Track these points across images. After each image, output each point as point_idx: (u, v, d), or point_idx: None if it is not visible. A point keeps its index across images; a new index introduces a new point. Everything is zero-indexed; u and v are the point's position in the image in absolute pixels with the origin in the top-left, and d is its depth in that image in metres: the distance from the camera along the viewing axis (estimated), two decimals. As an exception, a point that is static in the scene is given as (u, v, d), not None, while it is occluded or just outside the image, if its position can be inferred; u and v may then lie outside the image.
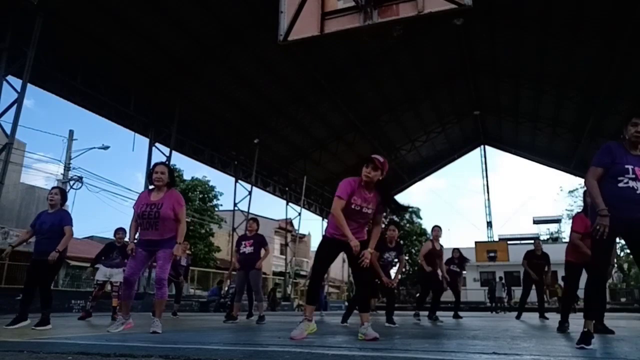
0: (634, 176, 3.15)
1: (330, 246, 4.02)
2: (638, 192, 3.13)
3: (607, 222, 3.08)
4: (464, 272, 9.56)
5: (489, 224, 31.11)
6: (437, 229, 8.17)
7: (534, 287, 9.01)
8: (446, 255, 8.89)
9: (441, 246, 8.12)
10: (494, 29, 16.22)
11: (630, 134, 3.27)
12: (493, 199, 59.20)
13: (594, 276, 3.37)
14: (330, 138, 21.23)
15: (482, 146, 28.97)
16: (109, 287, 8.05)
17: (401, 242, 6.99)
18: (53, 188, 5.47)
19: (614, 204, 3.13)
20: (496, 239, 31.11)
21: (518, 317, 9.35)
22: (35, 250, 5.17)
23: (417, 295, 8.17)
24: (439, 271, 8.09)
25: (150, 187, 4.74)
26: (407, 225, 38.08)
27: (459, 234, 72.48)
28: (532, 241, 10.37)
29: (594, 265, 3.34)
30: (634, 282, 30.80)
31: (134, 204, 4.65)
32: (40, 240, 5.13)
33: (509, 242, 29.29)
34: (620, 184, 3.15)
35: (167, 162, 4.88)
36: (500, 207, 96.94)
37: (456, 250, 9.77)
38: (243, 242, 7.18)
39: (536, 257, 8.78)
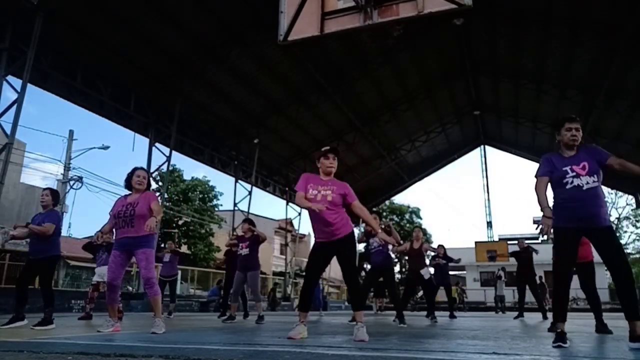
0: (574, 174, 3.40)
1: (320, 251, 4.05)
2: (584, 187, 3.36)
3: (550, 222, 3.38)
4: (453, 262, 9.93)
5: (489, 224, 31.15)
6: (417, 230, 8.79)
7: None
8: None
9: (421, 245, 8.32)
10: (494, 29, 16.21)
11: (567, 138, 3.53)
12: (493, 199, 59.20)
13: (556, 277, 3.47)
14: (330, 138, 21.21)
15: (482, 146, 28.96)
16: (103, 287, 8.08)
17: (389, 228, 7.14)
18: (44, 189, 5.56)
19: (567, 205, 3.41)
20: (496, 239, 31.12)
21: (517, 317, 9.37)
22: (30, 250, 5.31)
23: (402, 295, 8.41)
24: (423, 271, 8.19)
25: (127, 193, 4.78)
26: (407, 225, 38.15)
27: (459, 234, 72.51)
28: (531, 241, 10.63)
29: (558, 267, 3.44)
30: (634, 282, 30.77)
31: (111, 210, 4.65)
32: (32, 240, 5.23)
33: (509, 242, 29.29)
34: (567, 186, 3.41)
35: (146, 168, 4.91)
36: (500, 207, 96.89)
37: (440, 246, 10.20)
38: (240, 244, 7.34)
39: (521, 253, 9.31)
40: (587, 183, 3.35)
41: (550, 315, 9.13)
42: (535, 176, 3.59)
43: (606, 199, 3.45)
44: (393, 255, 8.29)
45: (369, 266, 7.46)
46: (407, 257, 8.48)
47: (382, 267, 6.75)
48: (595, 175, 3.36)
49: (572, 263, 3.48)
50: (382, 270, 6.82)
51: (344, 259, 3.98)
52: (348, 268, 4.00)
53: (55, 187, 20.27)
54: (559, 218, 3.46)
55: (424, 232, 39.12)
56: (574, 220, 3.36)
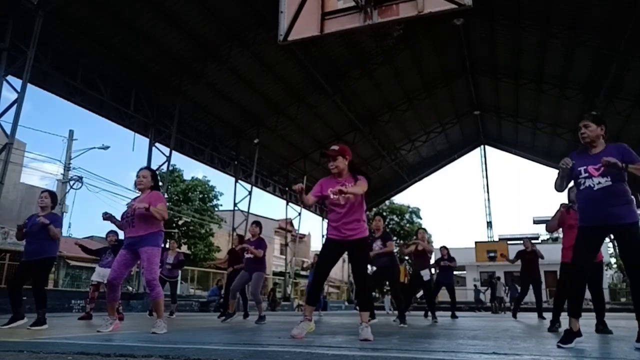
0: (587, 174, 3.40)
1: (331, 247, 4.04)
2: (595, 188, 3.36)
3: (567, 162, 3.42)
4: (455, 265, 9.93)
5: (489, 224, 31.18)
6: (421, 232, 8.75)
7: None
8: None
9: (424, 246, 8.28)
10: (494, 29, 16.22)
11: (580, 136, 3.55)
12: (493, 199, 59.22)
13: (574, 273, 3.46)
14: (330, 138, 21.21)
15: (482, 146, 28.98)
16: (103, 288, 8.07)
17: (388, 230, 7.09)
18: (43, 191, 5.54)
19: (583, 206, 3.48)
20: (496, 239, 31.12)
21: (514, 316, 9.41)
22: (25, 251, 5.22)
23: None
24: (423, 272, 8.17)
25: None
26: (407, 225, 38.13)
27: (459, 234, 72.48)
28: (532, 241, 10.61)
29: (574, 262, 3.43)
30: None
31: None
32: (31, 242, 5.19)
33: (509, 242, 29.30)
34: (581, 187, 3.45)
35: (151, 168, 4.94)
36: (500, 207, 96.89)
37: (444, 247, 10.19)
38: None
39: (527, 254, 9.26)
40: (599, 183, 3.33)
41: (546, 315, 9.20)
42: None
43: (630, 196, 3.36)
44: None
45: (373, 267, 7.44)
46: (408, 258, 8.41)
47: (386, 267, 6.76)
48: (609, 176, 3.31)
49: (589, 260, 3.43)
50: (385, 270, 6.82)
51: (356, 260, 3.99)
52: (359, 269, 4.00)
53: (55, 187, 20.33)
54: (579, 217, 3.52)
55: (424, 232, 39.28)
56: (589, 219, 3.39)
